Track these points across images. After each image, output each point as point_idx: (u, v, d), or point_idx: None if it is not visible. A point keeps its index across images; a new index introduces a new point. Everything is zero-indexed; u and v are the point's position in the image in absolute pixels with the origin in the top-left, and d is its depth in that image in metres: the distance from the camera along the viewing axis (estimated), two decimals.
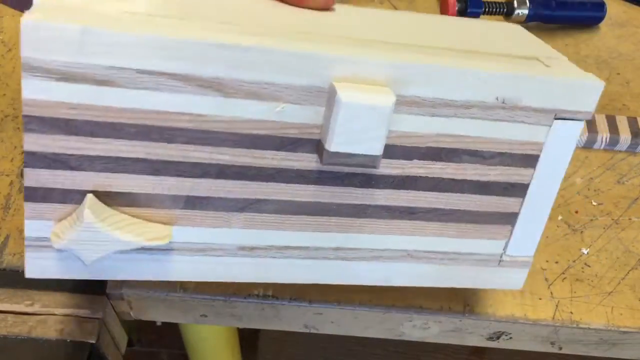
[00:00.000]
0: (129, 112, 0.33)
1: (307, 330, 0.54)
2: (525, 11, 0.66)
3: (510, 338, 0.53)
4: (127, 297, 0.51)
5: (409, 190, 0.38)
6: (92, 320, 0.49)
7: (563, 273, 0.53)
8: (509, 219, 0.40)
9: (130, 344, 0.58)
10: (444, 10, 0.65)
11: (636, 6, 0.73)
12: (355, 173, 0.37)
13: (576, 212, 0.56)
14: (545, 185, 0.39)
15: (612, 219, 0.56)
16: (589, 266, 0.53)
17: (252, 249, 0.37)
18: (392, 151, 0.36)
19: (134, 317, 0.54)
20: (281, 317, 0.52)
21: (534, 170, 0.39)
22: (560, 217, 0.56)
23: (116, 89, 0.32)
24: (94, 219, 0.33)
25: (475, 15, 0.65)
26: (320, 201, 0.37)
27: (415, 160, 0.37)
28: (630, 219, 0.56)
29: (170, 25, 0.33)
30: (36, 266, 0.36)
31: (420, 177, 0.37)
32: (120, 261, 0.36)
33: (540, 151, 0.38)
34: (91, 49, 0.31)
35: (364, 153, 0.34)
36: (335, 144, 0.34)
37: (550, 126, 0.38)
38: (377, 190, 0.37)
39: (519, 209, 0.40)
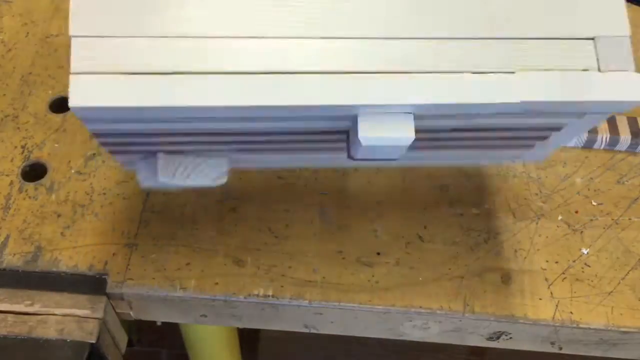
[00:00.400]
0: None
1: (307, 330, 0.54)
2: None
3: (510, 338, 0.53)
4: (127, 297, 0.51)
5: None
6: (92, 320, 0.49)
7: (563, 273, 0.53)
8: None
9: (130, 344, 0.58)
10: None
11: (635, 6, 0.73)
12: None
13: (576, 212, 0.56)
14: None
15: (612, 219, 0.56)
16: (589, 266, 0.53)
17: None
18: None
19: (134, 317, 0.54)
20: (281, 317, 0.52)
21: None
22: (560, 217, 0.56)
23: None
24: None
25: None
26: None
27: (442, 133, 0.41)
28: (630, 219, 0.56)
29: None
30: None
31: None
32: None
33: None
34: None
35: (387, 158, 0.39)
36: (360, 155, 0.39)
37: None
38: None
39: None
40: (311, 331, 0.54)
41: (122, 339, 0.55)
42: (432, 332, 0.53)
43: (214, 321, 0.54)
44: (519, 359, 1.02)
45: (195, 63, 0.35)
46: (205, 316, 0.53)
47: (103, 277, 0.50)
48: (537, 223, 0.55)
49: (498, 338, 0.53)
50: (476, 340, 0.54)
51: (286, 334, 0.98)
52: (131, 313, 0.53)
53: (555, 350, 0.54)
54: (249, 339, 1.16)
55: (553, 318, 0.51)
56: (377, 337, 0.54)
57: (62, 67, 0.63)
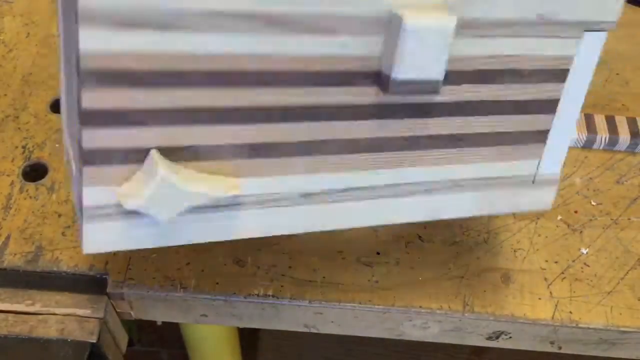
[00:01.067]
0: (195, 58, 0.31)
1: (308, 330, 0.54)
2: None
3: (510, 337, 0.53)
4: (128, 297, 0.51)
5: (459, 117, 0.38)
6: (93, 319, 0.49)
7: (562, 273, 0.53)
8: (542, 136, 0.40)
9: (130, 343, 0.58)
10: None
11: (635, 7, 0.73)
12: (413, 103, 0.37)
13: (575, 212, 0.56)
14: (572, 99, 0.40)
15: (612, 219, 0.56)
16: (588, 266, 0.53)
17: (314, 194, 0.37)
18: (445, 77, 0.36)
19: (134, 317, 0.54)
20: (281, 317, 0.53)
21: (564, 84, 0.39)
22: (559, 217, 0.56)
23: (181, 33, 0.31)
24: (169, 172, 0.32)
25: None
26: (379, 136, 0.37)
27: (464, 85, 0.37)
28: (629, 219, 0.56)
29: None
30: (97, 239, 0.34)
31: (469, 101, 0.38)
32: (188, 223, 0.35)
33: (570, 65, 0.39)
34: None
35: (428, 78, 0.34)
36: (401, 72, 0.34)
37: (580, 38, 0.39)
38: (431, 119, 0.37)
39: (550, 126, 0.40)
40: (311, 331, 0.54)
41: (123, 338, 0.55)
42: (431, 332, 0.53)
43: (214, 321, 0.54)
44: (518, 358, 1.02)
45: None
46: (206, 316, 0.53)
47: (104, 277, 0.51)
48: (536, 223, 0.55)
49: (497, 338, 0.53)
50: (476, 340, 0.54)
51: (286, 334, 0.99)
52: (132, 313, 0.53)
53: (554, 349, 0.54)
54: (249, 339, 1.16)
55: (552, 318, 0.51)
56: (377, 337, 0.55)
57: None
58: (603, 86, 0.65)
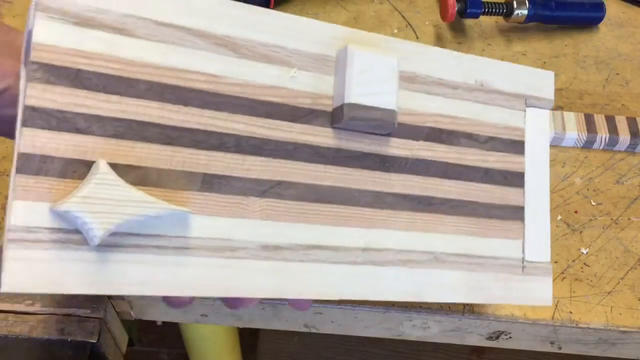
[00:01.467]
0: (144, 67, 0.31)
1: (308, 330, 0.54)
2: (525, 12, 0.66)
3: (510, 337, 0.53)
4: (128, 297, 0.51)
5: (421, 176, 0.39)
6: (93, 320, 0.49)
7: (562, 273, 0.53)
8: (518, 214, 0.41)
9: (130, 343, 0.58)
10: (443, 10, 0.65)
11: (635, 6, 0.73)
12: (371, 153, 0.37)
13: (575, 212, 0.56)
14: (537, 177, 0.42)
15: (612, 219, 0.56)
16: (588, 266, 0.53)
17: (277, 248, 0.34)
18: (399, 130, 0.38)
19: (134, 317, 0.54)
20: (281, 316, 0.53)
21: (524, 157, 0.42)
22: (559, 217, 0.56)
23: (133, 39, 0.31)
24: (110, 171, 0.29)
25: (475, 16, 0.65)
26: (340, 186, 0.36)
27: (421, 142, 0.39)
28: (629, 219, 0.56)
29: None
30: (19, 272, 0.28)
31: (428, 160, 0.39)
32: (127, 264, 0.30)
33: (523, 137, 0.42)
34: None
35: (381, 106, 0.36)
36: (353, 96, 0.35)
37: (524, 111, 0.42)
38: (393, 174, 0.38)
39: (523, 202, 0.41)
40: (311, 331, 0.54)
41: (123, 338, 0.55)
42: (431, 332, 0.53)
43: (214, 321, 0.54)
44: (518, 358, 1.02)
45: None
46: (206, 316, 0.53)
47: None
48: None
49: (498, 337, 0.53)
50: (476, 340, 0.54)
51: (286, 334, 0.99)
52: (132, 313, 0.53)
53: (554, 349, 0.55)
54: (249, 339, 1.16)
55: (552, 317, 0.51)
56: (377, 336, 0.55)
57: None
58: (603, 86, 0.65)
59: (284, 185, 0.34)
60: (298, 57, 0.35)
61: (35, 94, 0.29)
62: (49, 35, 0.29)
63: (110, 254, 0.30)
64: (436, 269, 0.38)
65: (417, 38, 0.69)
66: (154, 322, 0.56)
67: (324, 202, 0.35)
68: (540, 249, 0.42)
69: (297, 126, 0.35)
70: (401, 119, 0.38)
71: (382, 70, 0.36)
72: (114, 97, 0.31)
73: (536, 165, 0.42)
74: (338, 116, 0.36)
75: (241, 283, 0.33)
